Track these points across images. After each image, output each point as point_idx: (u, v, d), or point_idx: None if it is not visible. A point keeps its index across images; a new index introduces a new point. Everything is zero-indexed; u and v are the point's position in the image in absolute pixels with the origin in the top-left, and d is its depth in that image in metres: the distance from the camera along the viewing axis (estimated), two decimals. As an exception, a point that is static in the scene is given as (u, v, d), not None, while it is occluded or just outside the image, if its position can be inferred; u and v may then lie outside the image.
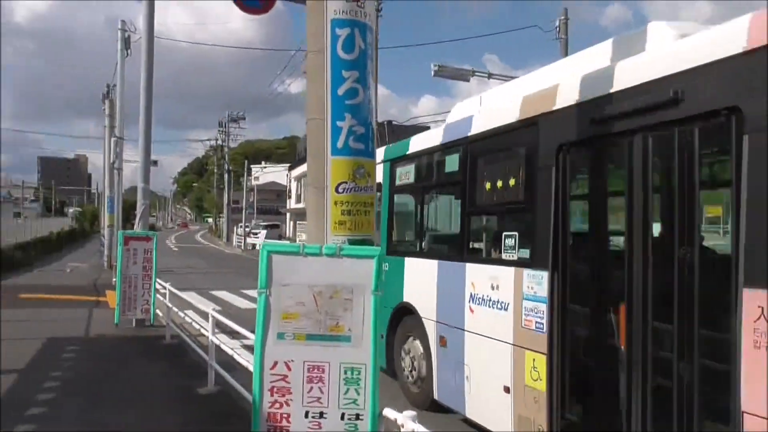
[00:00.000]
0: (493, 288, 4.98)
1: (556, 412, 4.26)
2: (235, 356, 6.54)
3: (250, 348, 8.73)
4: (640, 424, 3.55)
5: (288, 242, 42.17)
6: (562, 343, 4.22)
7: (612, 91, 3.87)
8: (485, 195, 5.32)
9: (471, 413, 5.35)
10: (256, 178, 66.53)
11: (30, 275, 20.23)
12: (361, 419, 3.20)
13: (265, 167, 71.63)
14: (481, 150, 5.45)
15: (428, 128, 12.48)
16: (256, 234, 45.12)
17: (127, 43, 18.45)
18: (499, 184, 5.07)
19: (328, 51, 3.26)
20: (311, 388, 3.21)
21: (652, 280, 3.54)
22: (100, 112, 25.75)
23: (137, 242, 10.54)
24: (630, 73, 3.78)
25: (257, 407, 3.25)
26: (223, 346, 6.76)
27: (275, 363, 3.23)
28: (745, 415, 2.94)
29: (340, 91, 3.29)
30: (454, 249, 5.96)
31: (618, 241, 4.01)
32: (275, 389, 3.23)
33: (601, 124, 3.91)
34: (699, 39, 3.47)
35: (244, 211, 50.28)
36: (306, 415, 3.22)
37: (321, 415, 3.22)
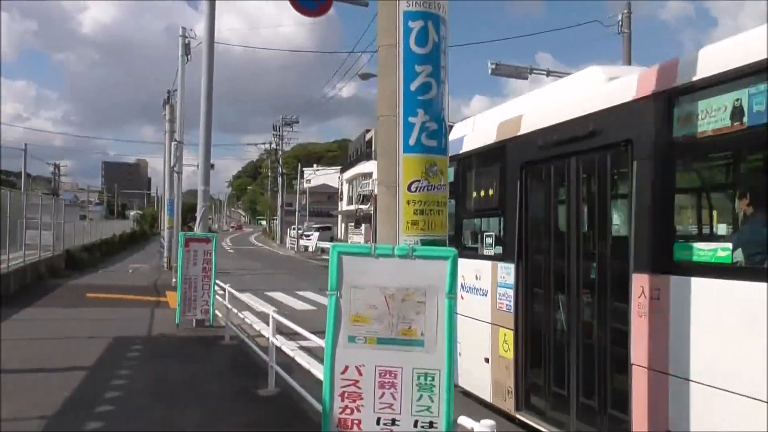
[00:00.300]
0: (476, 278, 6.19)
1: (522, 376, 5.43)
2: (296, 358, 6.54)
3: (307, 349, 8.76)
4: (575, 376, 4.73)
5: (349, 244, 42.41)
6: (525, 320, 5.42)
7: (554, 123, 5.03)
8: (473, 202, 6.57)
9: (462, 382, 6.45)
10: (308, 181, 67.31)
11: (95, 275, 20.96)
12: (435, 427, 3.07)
13: (317, 170, 72.34)
14: (469, 165, 6.63)
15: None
16: (309, 236, 45.63)
17: (187, 48, 18.88)
18: (482, 193, 6.36)
19: (401, 45, 3.15)
20: (383, 393, 3.10)
21: (582, 269, 4.72)
22: (160, 118, 26.52)
23: (197, 244, 10.72)
24: (566, 110, 4.94)
25: (327, 412, 3.16)
26: (282, 347, 6.76)
27: (346, 367, 3.13)
28: (633, 366, 4.03)
29: (413, 86, 3.17)
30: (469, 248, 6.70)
31: (562, 239, 5.04)
32: (346, 394, 3.13)
33: (547, 149, 5.10)
34: (608, 86, 4.70)
35: (296, 213, 50.91)
36: (378, 422, 3.10)
37: (393, 422, 3.09)
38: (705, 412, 3.49)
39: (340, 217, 67.83)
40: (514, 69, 15.33)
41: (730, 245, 3.51)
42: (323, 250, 41.71)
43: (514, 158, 5.57)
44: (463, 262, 5.54)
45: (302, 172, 69.37)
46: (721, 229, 4.45)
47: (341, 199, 67.82)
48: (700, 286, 3.52)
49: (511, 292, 5.52)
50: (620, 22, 14.55)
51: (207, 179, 11.31)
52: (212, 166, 32.68)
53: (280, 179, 55.33)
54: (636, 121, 4.05)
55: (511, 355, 5.52)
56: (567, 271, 4.84)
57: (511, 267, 5.51)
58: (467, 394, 6.50)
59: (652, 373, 3.88)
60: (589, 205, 4.76)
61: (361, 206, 51.90)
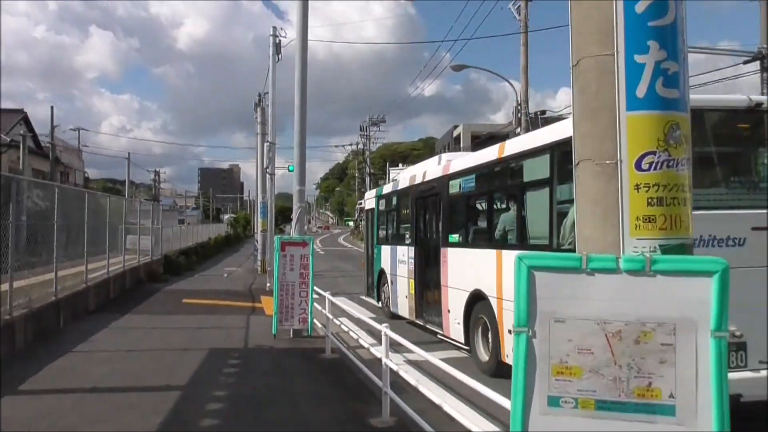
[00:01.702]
0: (402, 255, 11.61)
1: (416, 302, 10.68)
2: (406, 376, 5.61)
3: (415, 363, 7.76)
4: (427, 295, 10.31)
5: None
6: (416, 274, 10.71)
7: (421, 181, 10.77)
8: (402, 215, 12.36)
9: (395, 310, 11.98)
10: (394, 180, 66.79)
11: (192, 280, 21.00)
12: None
13: (403, 169, 71.61)
14: (399, 196, 12.42)
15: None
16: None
17: (278, 48, 18.50)
18: (404, 211, 12.14)
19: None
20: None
21: (431, 247, 10.24)
22: (251, 124, 26.41)
23: (294, 247, 9.96)
24: (423, 175, 10.88)
25: None
26: (390, 364, 5.78)
27: (545, 445, 2.04)
28: (441, 285, 9.43)
29: (640, 7, 2.04)
30: (398, 240, 12.24)
31: (426, 234, 10.76)
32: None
33: (422, 192, 10.80)
34: (439, 166, 10.40)
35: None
36: None
37: None
38: (455, 298, 8.80)
39: (428, 216, 66.72)
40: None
41: (461, 235, 9.15)
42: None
43: (412, 195, 11.32)
44: (398, 248, 11.94)
45: (389, 172, 68.92)
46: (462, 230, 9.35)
47: (429, 199, 66.68)
48: (455, 252, 9.11)
49: (412, 261, 10.92)
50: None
51: (303, 179, 10.56)
52: None
53: (367, 179, 54.96)
54: (443, 183, 9.65)
55: (413, 292, 10.83)
56: (426, 249, 10.48)
57: (413, 248, 10.99)
58: (397, 317, 11.71)
59: (446, 288, 9.28)
60: (432, 218, 10.42)
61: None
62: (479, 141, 54.09)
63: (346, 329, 10.22)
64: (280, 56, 18.47)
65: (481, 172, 8.50)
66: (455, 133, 59.65)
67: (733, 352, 4.89)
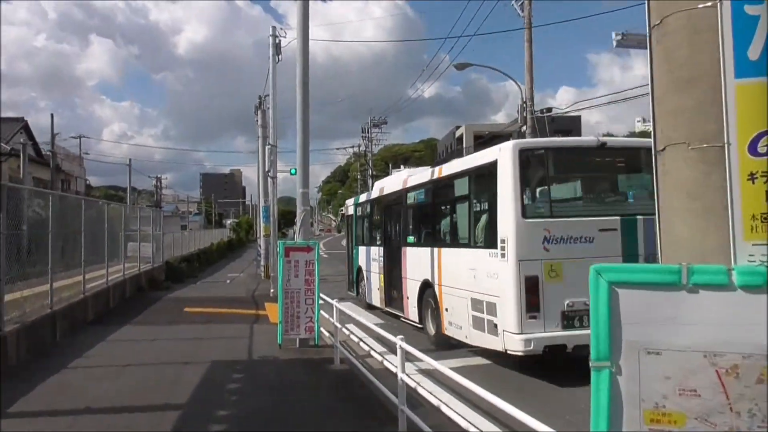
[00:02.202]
0: (375, 254, 13.44)
1: (384, 293, 12.67)
2: (425, 393, 5.20)
3: (426, 372, 7.31)
4: (393, 287, 12.24)
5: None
6: (384, 271, 12.67)
7: (390, 191, 12.92)
8: (375, 220, 14.27)
9: (370, 300, 14.00)
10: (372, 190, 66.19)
11: (194, 287, 20.56)
12: None
13: (406, 171, 71.10)
14: (372, 205, 14.41)
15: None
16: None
17: (278, 48, 18.08)
18: (376, 217, 14.06)
19: None
20: None
21: (394, 246, 12.16)
22: (252, 129, 26.02)
23: (298, 253, 9.50)
24: (391, 187, 12.98)
25: None
26: (406, 379, 5.33)
27: None
28: (403, 278, 11.34)
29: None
30: (371, 241, 14.21)
31: (391, 236, 12.72)
32: None
33: (389, 200, 12.92)
34: (401, 180, 12.58)
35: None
36: None
37: None
38: (412, 287, 10.72)
39: (431, 218, 66.27)
40: (643, 38, 13.11)
41: (415, 237, 11.14)
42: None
43: (381, 204, 13.47)
44: (371, 248, 13.82)
45: (391, 173, 68.57)
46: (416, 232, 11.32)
47: (432, 200, 66.23)
48: (411, 250, 11.01)
49: (382, 259, 12.81)
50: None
51: (306, 181, 10.10)
52: None
53: (369, 181, 54.49)
54: (402, 195, 11.75)
55: (383, 285, 12.74)
56: (391, 248, 12.26)
57: (382, 248, 12.93)
58: (372, 307, 13.73)
59: (405, 279, 11.09)
60: (395, 223, 12.38)
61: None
62: (482, 141, 53.74)
63: (355, 338, 9.76)
64: (280, 57, 18.06)
65: (426, 187, 10.72)
66: (457, 134, 59.23)
67: (588, 315, 5.95)
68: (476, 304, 8.04)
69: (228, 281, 23.16)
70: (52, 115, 39.35)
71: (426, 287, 10.10)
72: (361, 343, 9.68)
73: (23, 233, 10.31)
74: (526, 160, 7.52)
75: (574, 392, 6.44)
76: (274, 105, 17.36)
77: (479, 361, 8.51)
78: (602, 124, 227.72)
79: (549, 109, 22.36)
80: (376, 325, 10.38)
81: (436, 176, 10.06)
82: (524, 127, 22.89)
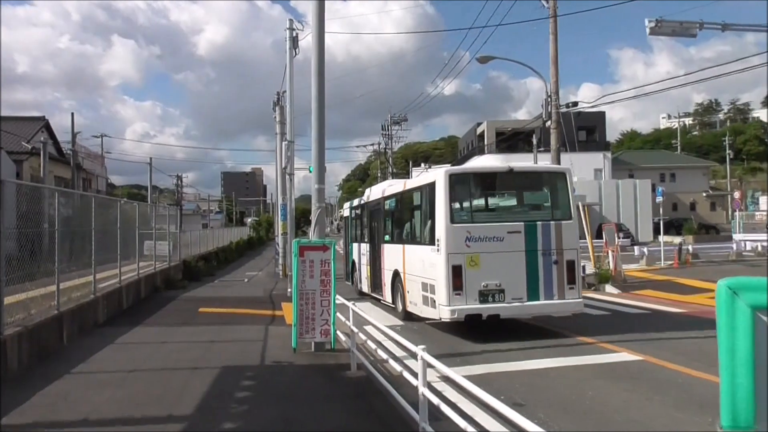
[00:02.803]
0: (364, 249, 15.85)
1: (370, 280, 15.26)
2: (448, 411, 4.65)
3: (448, 379, 6.77)
4: (374, 275, 14.79)
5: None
6: (369, 263, 15.24)
7: (372, 199, 15.55)
8: (363, 222, 16.45)
9: (362, 288, 16.26)
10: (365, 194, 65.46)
11: (211, 286, 20.24)
12: None
13: (428, 168, 70.38)
14: (362, 208, 16.64)
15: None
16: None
17: (295, 42, 17.63)
18: (364, 219, 16.25)
19: None
20: None
21: (377, 243, 14.51)
22: (272, 128, 25.74)
23: (314, 252, 9.00)
24: (374, 195, 15.61)
25: None
26: (427, 394, 4.80)
27: None
28: (381, 269, 13.96)
29: None
30: (361, 239, 16.43)
31: (374, 235, 15.15)
32: None
33: (370, 206, 15.71)
34: (380, 190, 15.18)
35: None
36: None
37: None
38: (387, 276, 13.16)
39: (452, 215, 65.48)
40: (679, 25, 12.43)
41: (389, 236, 13.71)
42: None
43: (367, 208, 15.73)
44: (362, 245, 16.12)
45: (411, 172, 67.87)
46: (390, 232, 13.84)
47: (453, 197, 65.43)
48: (387, 247, 13.45)
49: (368, 254, 15.01)
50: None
51: (322, 176, 9.60)
52: (324, 168, 32.52)
53: (390, 179, 53.94)
54: (381, 202, 14.41)
55: (369, 275, 15.04)
56: (375, 245, 14.54)
57: (368, 245, 15.18)
58: (364, 294, 15.94)
59: (383, 270, 13.59)
60: (377, 225, 14.83)
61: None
62: (504, 137, 52.89)
63: (372, 345, 9.24)
64: (297, 50, 17.61)
65: (396, 197, 13.34)
66: (479, 131, 58.41)
67: (498, 293, 9.85)
68: (424, 286, 10.73)
69: (246, 280, 22.83)
70: (72, 114, 39.72)
71: (396, 275, 12.64)
72: (379, 349, 9.20)
73: (31, 231, 9.98)
74: (454, 182, 10.27)
75: (487, 346, 9.64)
76: (291, 99, 16.91)
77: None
78: (625, 120, 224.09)
79: (575, 103, 21.50)
80: (393, 328, 9.90)
81: (401, 189, 12.95)
82: (549, 122, 22.17)
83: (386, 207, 14.10)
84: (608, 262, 18.82)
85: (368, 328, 11.54)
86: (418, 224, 11.72)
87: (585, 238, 24.24)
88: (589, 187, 41.81)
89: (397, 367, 6.45)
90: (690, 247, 25.69)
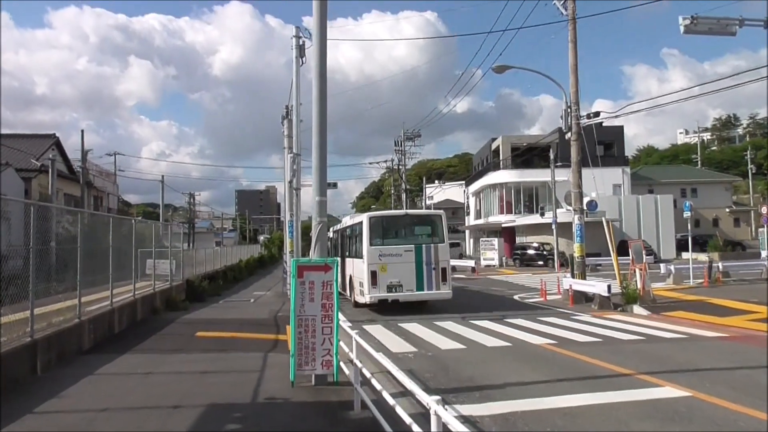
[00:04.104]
0: (351, 263, 19.01)
1: (342, 285, 18.54)
2: None
3: (467, 423, 5.73)
4: (354, 282, 18.65)
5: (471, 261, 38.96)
6: (342, 270, 19.20)
7: (344, 226, 22.08)
8: (342, 243, 21.83)
9: (353, 298, 18.54)
10: (431, 197, 64.53)
11: (215, 307, 19.30)
12: None
13: (441, 185, 69.41)
14: (338, 232, 23.14)
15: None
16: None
17: (301, 50, 16.87)
18: (338, 241, 22.69)
19: None
20: None
21: (346, 257, 20.60)
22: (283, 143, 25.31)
23: (314, 272, 8.02)
24: (347, 224, 21.35)
25: None
26: None
27: None
28: (347, 275, 19.54)
29: None
30: (336, 254, 21.78)
31: (345, 252, 20.73)
32: None
33: (343, 231, 21.66)
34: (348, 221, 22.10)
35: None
36: None
37: None
38: (347, 279, 19.30)
39: (467, 232, 64.34)
40: (716, 22, 11.39)
41: (348, 252, 20.21)
42: (454, 269, 38.44)
43: (340, 232, 22.45)
44: (338, 259, 11.18)
45: (425, 189, 66.85)
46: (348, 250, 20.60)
47: (468, 214, 64.35)
48: (348, 260, 19.46)
49: (350, 267, 19.09)
50: None
51: (324, 188, 8.65)
52: (334, 185, 32.65)
53: (403, 196, 52.96)
54: (344, 229, 21.35)
55: (341, 279, 17.14)
56: (343, 259, 20.11)
57: (341, 258, 19.79)
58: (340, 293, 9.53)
59: (346, 275, 19.31)
60: (345, 244, 20.94)
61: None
62: (519, 152, 51.79)
63: (379, 377, 8.18)
64: (304, 59, 16.84)
65: (349, 227, 20.09)
66: (494, 146, 57.40)
67: (398, 287, 16.07)
68: (360, 284, 16.92)
69: (252, 300, 21.89)
70: (82, 132, 39.39)
71: (351, 278, 18.79)
72: (391, 383, 8.17)
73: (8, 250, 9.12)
74: (372, 221, 16.77)
75: (509, 378, 9.16)
76: (297, 110, 16.08)
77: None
78: (640, 136, 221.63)
79: (596, 114, 20.40)
80: (404, 356, 8.79)
81: (351, 223, 19.89)
82: (568, 134, 21.10)
83: (346, 233, 20.70)
84: (635, 281, 17.61)
85: (379, 355, 10.64)
86: (356, 246, 18.15)
87: (610, 255, 23.09)
88: (608, 202, 40.54)
89: (408, 407, 5.41)
90: (720, 265, 24.32)
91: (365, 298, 16.21)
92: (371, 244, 16.21)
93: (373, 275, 16.02)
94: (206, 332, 13.08)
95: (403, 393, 7.72)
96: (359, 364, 6.80)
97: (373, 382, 6.45)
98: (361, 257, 16.48)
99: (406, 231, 17.21)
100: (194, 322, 14.91)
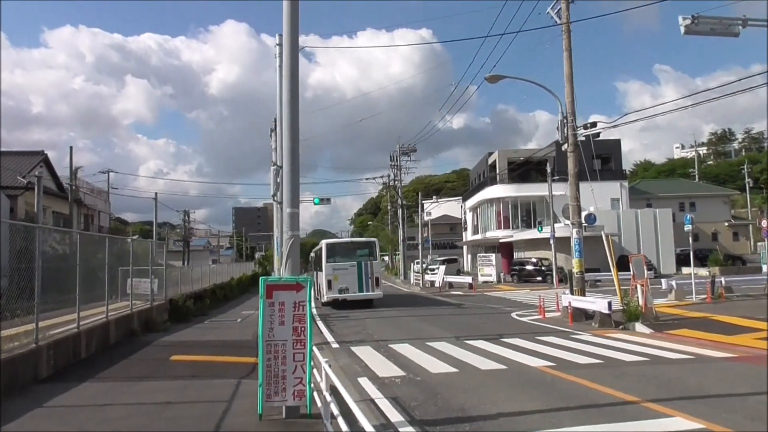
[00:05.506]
0: (318, 276, 27.40)
1: (317, 292, 26.16)
2: None
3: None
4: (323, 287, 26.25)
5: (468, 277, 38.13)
6: (316, 280, 27.20)
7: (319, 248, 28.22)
8: (315, 260, 30.59)
9: (322, 298, 25.90)
10: (428, 213, 63.81)
11: (198, 328, 18.45)
12: None
13: (437, 201, 68.71)
14: (315, 253, 31.10)
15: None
16: (434, 270, 41.63)
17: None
18: (316, 259, 29.76)
19: None
20: None
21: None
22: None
23: (285, 292, 7.26)
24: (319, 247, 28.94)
25: None
26: None
27: None
28: (317, 283, 27.68)
29: None
30: (314, 268, 31.32)
31: (317, 267, 29.75)
32: None
33: (319, 252, 27.38)
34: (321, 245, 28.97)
35: (420, 246, 47.24)
36: None
37: None
38: (317, 285, 26.80)
39: (465, 247, 63.56)
40: (719, 22, 10.75)
41: (317, 267, 28.75)
42: (451, 285, 37.63)
43: (315, 253, 30.24)
44: (315, 272, 30.08)
45: (422, 204, 66.18)
46: (318, 264, 28.69)
47: (465, 229, 63.60)
48: (318, 273, 27.96)
49: (316, 277, 28.18)
50: None
51: (295, 199, 7.96)
52: (327, 200, 39.51)
53: (400, 211, 52.24)
54: (318, 251, 28.32)
55: (316, 287, 26.42)
56: (316, 271, 28.78)
57: (315, 272, 29.30)
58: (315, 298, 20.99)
59: (317, 282, 26.83)
60: (317, 262, 27.86)
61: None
62: (515, 167, 51.16)
63: (360, 406, 7.43)
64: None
65: (319, 249, 27.39)
66: (490, 160, 56.84)
67: (346, 290, 24.97)
68: (320, 288, 25.70)
69: (239, 320, 21.04)
70: (71, 148, 38.43)
71: (319, 285, 25.80)
72: (373, 408, 7.40)
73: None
74: (329, 246, 26.12)
75: (503, 407, 7.89)
76: (281, 120, 15.38)
77: None
78: (635, 151, 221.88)
79: (593, 124, 19.76)
80: (392, 381, 8.03)
81: (319, 247, 27.01)
82: (565, 145, 20.44)
83: (319, 253, 26.79)
84: (637, 298, 16.84)
85: (362, 380, 9.83)
86: (320, 262, 25.69)
87: (609, 270, 22.38)
88: (607, 217, 39.87)
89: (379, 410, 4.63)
90: (722, 280, 23.55)
91: (324, 299, 24.88)
92: (328, 261, 24.99)
93: (329, 282, 24.68)
94: (182, 356, 12.26)
95: (385, 426, 6.98)
96: (329, 398, 6.02)
97: (355, 411, 5.68)
98: (322, 270, 25.38)
99: (351, 253, 25.71)
100: (172, 345, 14.09)
